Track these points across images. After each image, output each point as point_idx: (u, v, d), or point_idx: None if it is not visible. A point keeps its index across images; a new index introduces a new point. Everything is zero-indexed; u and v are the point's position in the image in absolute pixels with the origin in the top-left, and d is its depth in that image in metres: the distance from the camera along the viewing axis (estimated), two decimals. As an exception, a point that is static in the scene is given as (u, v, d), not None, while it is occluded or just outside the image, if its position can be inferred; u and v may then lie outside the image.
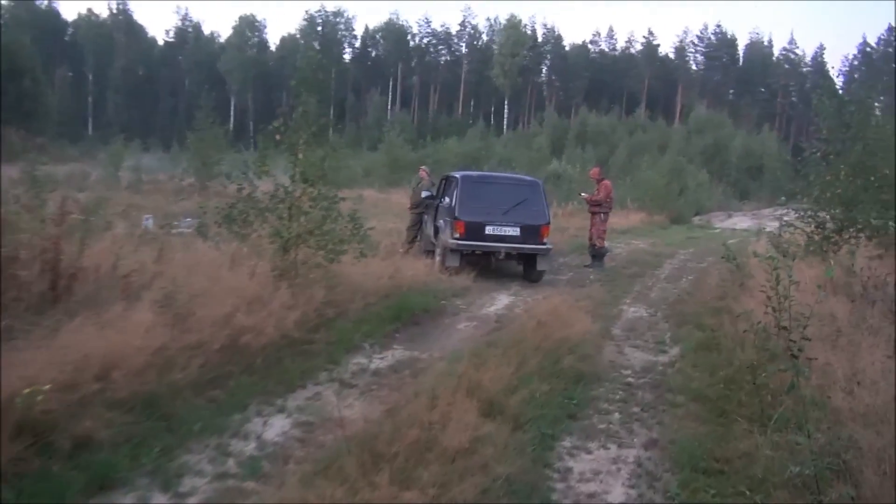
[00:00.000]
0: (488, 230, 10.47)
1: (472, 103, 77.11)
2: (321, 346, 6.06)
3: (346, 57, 79.91)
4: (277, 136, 6.97)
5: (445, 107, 75.60)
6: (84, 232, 5.28)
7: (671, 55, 79.78)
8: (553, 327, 6.40)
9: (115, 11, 76.65)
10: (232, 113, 69.62)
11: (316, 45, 76.66)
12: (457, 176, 11.14)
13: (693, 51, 79.19)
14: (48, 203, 8.02)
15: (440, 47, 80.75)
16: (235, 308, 5.30)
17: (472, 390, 4.24)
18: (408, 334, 7.35)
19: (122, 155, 25.91)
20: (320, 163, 7.09)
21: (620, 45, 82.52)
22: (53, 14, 75.14)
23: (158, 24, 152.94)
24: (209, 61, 73.46)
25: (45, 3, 74.59)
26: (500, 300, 9.51)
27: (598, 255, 12.81)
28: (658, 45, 79.73)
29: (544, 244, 10.72)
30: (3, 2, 59.10)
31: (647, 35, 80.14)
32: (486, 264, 11.22)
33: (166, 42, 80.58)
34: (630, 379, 5.90)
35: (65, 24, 76.32)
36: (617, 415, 4.97)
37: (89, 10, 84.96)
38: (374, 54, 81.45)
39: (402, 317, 7.71)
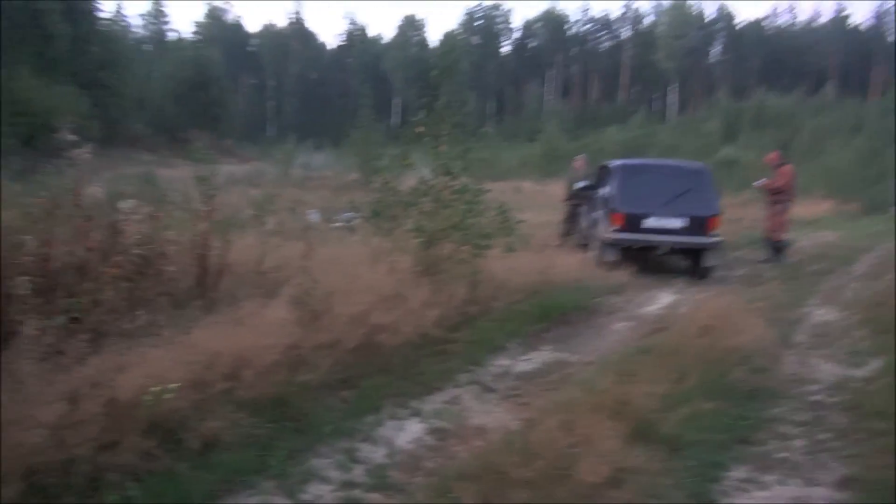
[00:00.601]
0: (649, 222, 9.67)
1: (634, 90, 73.82)
2: (462, 346, 5.78)
3: (505, 50, 79.84)
4: (419, 129, 6.78)
5: (606, 95, 73.05)
6: (232, 227, 5.36)
7: (863, 27, 71.12)
8: (721, 332, 5.62)
9: (292, 21, 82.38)
10: (394, 111, 72.23)
11: (476, 39, 77.85)
12: (615, 164, 10.42)
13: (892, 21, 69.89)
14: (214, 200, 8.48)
15: (600, 34, 78.14)
16: (372, 305, 5.15)
17: (618, 409, 3.71)
18: (557, 334, 6.88)
19: (294, 154, 27.57)
20: (463, 154, 6.80)
21: (802, 18, 74.91)
22: (239, 28, 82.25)
23: (329, 30, 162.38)
24: (374, 62, 76.73)
25: (232, 18, 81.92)
26: (662, 299, 8.71)
27: (776, 248, 11.44)
28: (848, 17, 71.40)
29: (713, 237, 9.72)
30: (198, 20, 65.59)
31: (836, 6, 71.99)
32: (646, 259, 10.40)
33: (337, 46, 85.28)
34: (817, 397, 5.01)
35: (248, 35, 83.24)
36: (800, 441, 4.17)
37: (270, 22, 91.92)
38: (532, 45, 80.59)
39: (551, 315, 7.24)
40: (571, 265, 9.62)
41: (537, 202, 20.17)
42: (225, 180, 23.88)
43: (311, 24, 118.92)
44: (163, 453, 3.18)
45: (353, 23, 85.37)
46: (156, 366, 3.27)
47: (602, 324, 7.41)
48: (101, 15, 35.21)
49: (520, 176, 28.74)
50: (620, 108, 64.35)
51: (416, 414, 4.49)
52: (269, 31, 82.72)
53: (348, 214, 11.77)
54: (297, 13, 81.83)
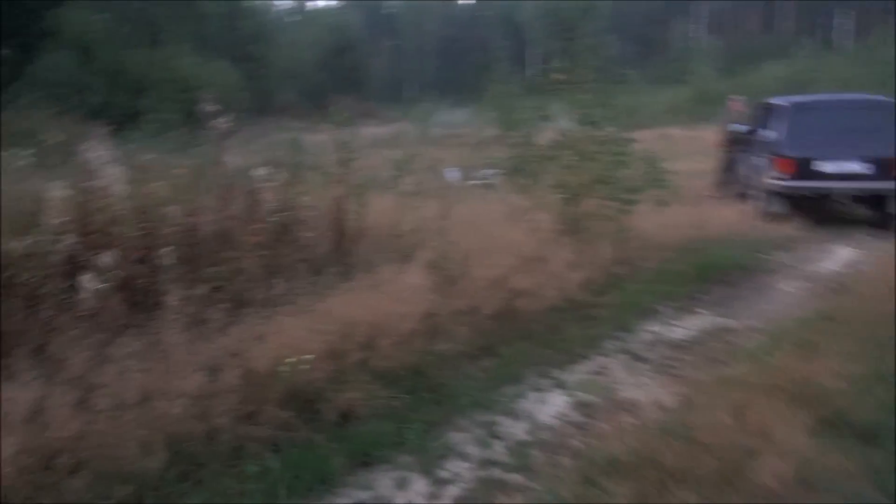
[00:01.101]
0: (822, 167, 8.55)
1: (798, 18, 66.60)
2: (609, 311, 5.37)
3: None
4: (557, 77, 6.31)
5: (764, 26, 66.55)
6: (369, 190, 5.25)
7: None
8: (920, 295, 4.80)
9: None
10: (531, 62, 70.42)
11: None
12: (780, 102, 9.28)
13: None
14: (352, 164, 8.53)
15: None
16: (512, 268, 4.87)
17: (799, 391, 3.18)
18: (715, 296, 6.25)
19: (432, 113, 27.62)
20: (605, 101, 6.25)
21: None
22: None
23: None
24: (509, 13, 74.99)
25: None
26: (839, 255, 7.70)
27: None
28: None
29: (899, 181, 8.44)
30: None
31: None
32: (819, 209, 9.27)
33: (470, 4, 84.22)
34: None
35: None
36: None
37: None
38: (679, -20, 74.94)
39: (708, 275, 6.60)
40: (730, 218, 8.78)
41: (688, 150, 18.75)
42: (368, 142, 24.54)
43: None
44: (300, 424, 3.13)
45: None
46: (292, 335, 3.22)
47: (769, 284, 6.65)
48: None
49: (668, 122, 26.94)
50: (781, 39, 58.34)
51: (560, 385, 4.18)
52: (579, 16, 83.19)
53: (488, 171, 11.50)
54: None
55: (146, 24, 22.50)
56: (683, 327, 5.34)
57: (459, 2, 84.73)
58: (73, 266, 3.22)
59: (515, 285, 4.73)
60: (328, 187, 5.08)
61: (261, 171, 3.90)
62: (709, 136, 20.11)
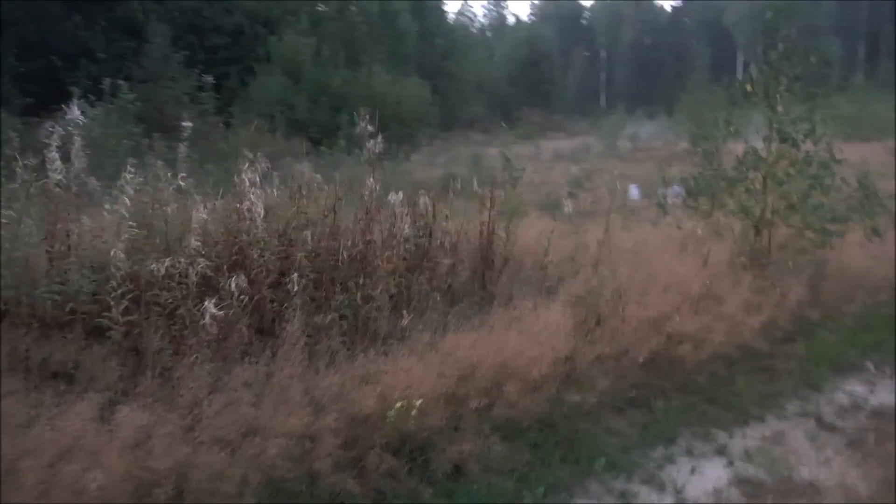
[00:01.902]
0: None
1: None
2: (795, 363, 4.55)
3: (883, -19, 66.40)
4: (749, 87, 5.53)
5: None
6: (525, 210, 4.91)
7: None
8: None
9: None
10: (739, 69, 65.68)
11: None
12: None
13: None
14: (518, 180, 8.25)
15: None
16: (676, 307, 4.27)
17: None
18: (944, 351, 5.10)
19: (621, 125, 26.55)
20: (808, 114, 5.36)
21: None
22: (573, 3, 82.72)
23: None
24: (715, 19, 70.49)
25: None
26: None
27: None
28: None
29: None
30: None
31: None
32: None
33: (672, 7, 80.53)
34: None
35: (582, 8, 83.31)
36: None
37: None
38: (922, -30, 65.53)
39: (935, 323, 5.42)
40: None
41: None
42: (550, 156, 24.18)
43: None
44: (407, 475, 2.90)
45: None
46: (408, 375, 3.00)
47: None
48: (445, 8, 38.40)
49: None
50: None
51: (721, 451, 3.56)
52: (601, 2, 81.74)
53: (673, 189, 10.62)
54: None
55: (347, 45, 24.06)
56: (893, 390, 4.37)
57: (661, 3, 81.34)
58: (208, 289, 3.29)
59: (678, 328, 4.13)
60: (480, 209, 4.82)
61: (398, 195, 3.74)
62: (953, 150, 17.18)
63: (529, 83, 40.96)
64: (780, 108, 5.47)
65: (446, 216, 4.37)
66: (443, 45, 34.71)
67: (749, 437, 3.74)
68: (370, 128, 4.62)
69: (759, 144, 5.61)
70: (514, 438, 3.21)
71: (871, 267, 6.00)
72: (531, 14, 78.03)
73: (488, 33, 76.48)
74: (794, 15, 5.45)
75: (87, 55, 20.64)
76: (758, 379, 4.31)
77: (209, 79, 17.98)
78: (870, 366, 4.75)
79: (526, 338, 3.47)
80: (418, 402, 2.84)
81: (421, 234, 4.18)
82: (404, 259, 4.00)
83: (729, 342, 4.35)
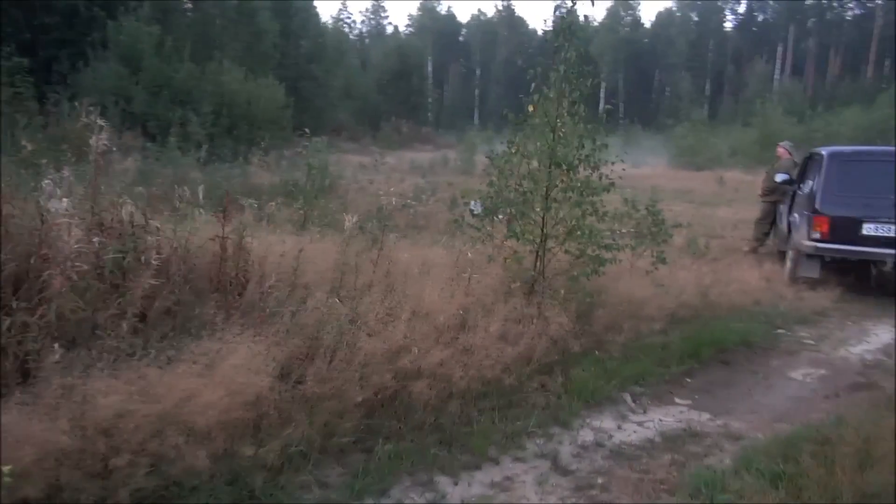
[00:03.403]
0: (866, 229, 7.23)
1: (886, 65, 62.96)
2: (548, 398, 4.33)
3: (728, 26, 72.75)
4: (531, 108, 5.36)
5: (849, 72, 63.12)
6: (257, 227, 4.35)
7: None
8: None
9: (500, 10, 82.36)
10: (601, 95, 69.30)
11: (694, 16, 71.58)
12: (822, 152, 8.00)
13: None
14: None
15: (847, 1, 67.74)
16: (416, 339, 3.91)
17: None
18: (704, 381, 5.13)
19: (480, 141, 26.83)
20: (585, 139, 5.25)
21: None
22: (451, 18, 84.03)
23: (539, 16, 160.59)
24: (583, 46, 73.98)
25: (445, 8, 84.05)
26: (876, 336, 6.39)
27: None
28: None
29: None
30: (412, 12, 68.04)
31: None
32: (859, 277, 7.91)
33: (544, 32, 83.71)
34: None
35: (459, 25, 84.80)
36: None
37: (479, 10, 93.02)
38: (760, 19, 72.41)
39: (702, 353, 5.48)
40: (752, 281, 7.56)
41: (740, 196, 17.33)
42: (408, 166, 23.87)
43: (522, 10, 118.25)
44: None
45: (563, 7, 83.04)
46: (12, 431, 2.38)
47: (777, 368, 5.47)
48: (319, 11, 37.52)
49: (728, 165, 25.34)
50: (867, 85, 55.22)
51: (444, 498, 3.20)
52: (478, 20, 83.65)
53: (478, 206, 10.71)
54: (507, 1, 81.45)
55: (198, 38, 22.66)
56: (642, 424, 4.26)
57: (534, 27, 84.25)
58: None
59: (416, 362, 3.76)
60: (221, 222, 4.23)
61: (62, 202, 3.06)
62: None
63: (400, 94, 40.81)
64: (562, 132, 5.33)
65: (156, 228, 3.73)
66: (309, 48, 33.73)
67: (476, 484, 3.41)
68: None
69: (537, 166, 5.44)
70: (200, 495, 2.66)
71: (652, 296, 6.01)
72: (408, 25, 78.43)
73: (367, 41, 76.05)
74: (575, 35, 5.31)
75: None
76: (504, 416, 4.03)
77: (22, 60, 16.18)
78: (627, 398, 4.64)
79: (207, 378, 2.94)
80: (7, 469, 2.23)
81: (123, 249, 3.55)
82: (94, 279, 3.36)
83: (477, 376, 4.05)
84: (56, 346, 2.85)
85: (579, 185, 5.21)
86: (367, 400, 3.50)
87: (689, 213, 13.26)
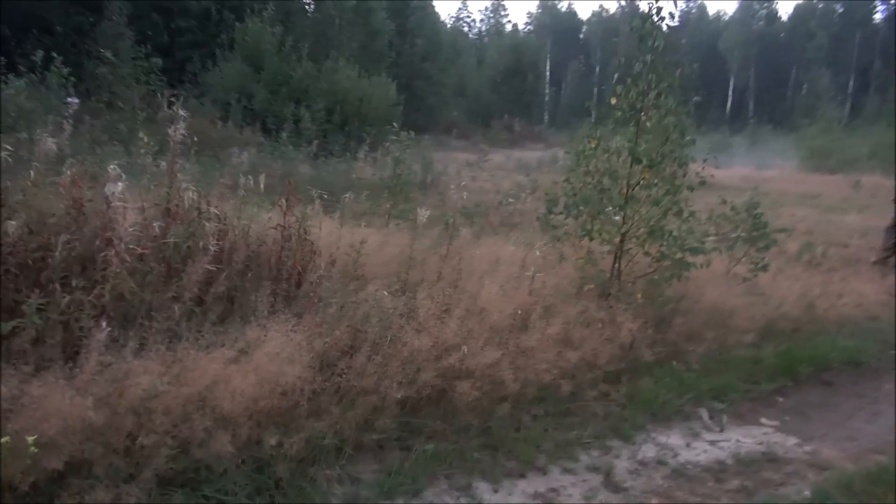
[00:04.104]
0: None
1: None
2: (610, 409, 4.05)
3: (877, 17, 66.65)
4: (613, 100, 5.06)
5: None
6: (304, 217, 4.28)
7: None
8: None
9: (623, 6, 79.92)
10: (730, 92, 65.88)
11: (838, 7, 66.14)
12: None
13: None
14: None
15: None
16: (479, 338, 3.77)
17: None
18: (799, 401, 4.65)
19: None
20: (670, 134, 4.89)
21: None
22: (572, 16, 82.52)
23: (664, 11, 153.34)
24: (710, 41, 70.53)
25: (566, 6, 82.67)
26: None
27: None
28: None
29: None
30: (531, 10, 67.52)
31: None
32: None
33: (669, 27, 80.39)
34: None
35: (580, 22, 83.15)
36: None
37: (601, 6, 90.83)
38: (918, 8, 65.73)
39: (799, 370, 4.97)
40: (871, 295, 6.80)
41: (875, 202, 15.72)
42: (514, 165, 23.65)
43: (646, 6, 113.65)
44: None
45: (690, 1, 79.39)
46: (43, 405, 2.48)
47: (889, 394, 4.85)
48: (438, 11, 37.83)
49: (866, 168, 23.14)
50: None
51: (475, 509, 3.06)
52: (599, 17, 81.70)
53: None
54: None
55: (316, 38, 23.55)
56: (715, 444, 3.89)
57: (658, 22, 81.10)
58: None
59: (466, 361, 3.62)
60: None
61: (117, 185, 3.15)
62: (906, 186, 16.84)
63: (513, 92, 40.46)
64: (648, 125, 4.99)
65: (216, 215, 3.79)
66: (423, 47, 34.16)
67: (517, 493, 3.24)
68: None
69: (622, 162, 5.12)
70: (184, 487, 2.68)
71: (745, 305, 5.53)
72: (527, 23, 77.84)
73: (486, 40, 76.18)
74: (663, 22, 4.95)
75: (43, 28, 20.02)
76: (558, 424, 3.82)
77: (157, 60, 17.41)
78: (703, 414, 4.27)
79: (239, 365, 2.95)
80: (32, 439, 2.31)
81: (183, 235, 3.65)
82: (156, 262, 3.47)
83: (532, 379, 3.85)
84: (105, 324, 2.95)
85: (661, 182, 4.85)
86: (410, 398, 3.40)
87: (812, 218, 12.22)
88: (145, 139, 4.83)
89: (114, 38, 18.91)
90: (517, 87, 41.07)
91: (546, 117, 52.72)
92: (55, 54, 12.88)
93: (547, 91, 51.33)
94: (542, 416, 3.82)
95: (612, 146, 5.14)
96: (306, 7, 25.79)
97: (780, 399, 4.69)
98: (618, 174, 4.95)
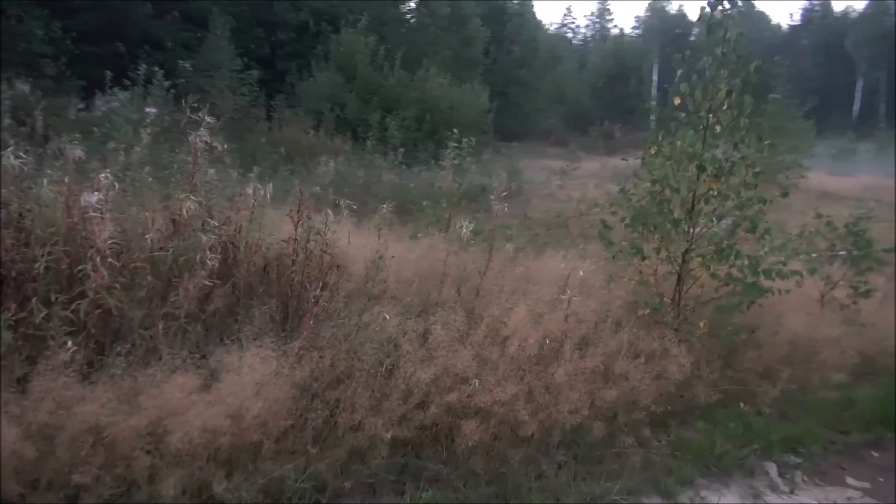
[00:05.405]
0: None
1: None
2: (653, 457, 3.46)
3: None
4: (676, 100, 4.44)
5: None
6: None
7: None
8: None
9: (739, 5, 75.91)
10: (858, 95, 61.08)
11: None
12: None
13: None
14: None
15: None
16: (495, 369, 3.31)
17: None
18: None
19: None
20: (747, 135, 4.23)
21: None
22: (682, 17, 79.23)
23: (784, 9, 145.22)
24: (835, 40, 65.63)
25: (676, 8, 79.46)
26: None
27: None
28: None
29: None
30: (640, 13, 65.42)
31: None
32: None
33: (790, 26, 75.69)
34: None
35: (690, 24, 79.69)
36: None
37: (708, 8, 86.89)
38: None
39: (899, 419, 4.14)
40: None
41: None
42: (609, 173, 22.76)
43: (762, 5, 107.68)
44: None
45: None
46: None
47: None
48: (539, 18, 37.05)
49: None
50: None
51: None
52: (709, 18, 78.00)
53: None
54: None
55: (410, 47, 23.63)
56: (777, 510, 3.23)
57: (778, 22, 76.62)
58: None
59: (471, 399, 3.16)
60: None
61: (94, 195, 2.94)
62: None
63: (614, 98, 39.06)
64: (717, 128, 4.34)
65: (215, 227, 3.52)
66: (520, 53, 33.65)
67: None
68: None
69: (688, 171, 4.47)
70: None
71: (838, 337, 4.71)
72: (634, 27, 75.46)
73: (591, 45, 74.52)
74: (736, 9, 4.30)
75: (154, 44, 21.20)
76: (588, 473, 3.28)
77: (253, 72, 17.97)
78: (771, 470, 3.59)
79: (209, 394, 2.65)
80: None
81: (184, 247, 3.43)
82: (157, 275, 3.27)
83: (560, 420, 3.34)
84: (70, 343, 2.75)
85: (730, 193, 4.20)
86: (409, 437, 2.99)
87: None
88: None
89: (216, 52, 19.73)
90: (619, 92, 39.63)
91: (653, 123, 50.63)
92: (156, 67, 13.43)
93: (654, 96, 49.14)
94: (567, 463, 3.30)
95: (673, 153, 4.51)
96: (402, 16, 25.98)
97: (875, 454, 3.92)
98: (680, 185, 4.32)
